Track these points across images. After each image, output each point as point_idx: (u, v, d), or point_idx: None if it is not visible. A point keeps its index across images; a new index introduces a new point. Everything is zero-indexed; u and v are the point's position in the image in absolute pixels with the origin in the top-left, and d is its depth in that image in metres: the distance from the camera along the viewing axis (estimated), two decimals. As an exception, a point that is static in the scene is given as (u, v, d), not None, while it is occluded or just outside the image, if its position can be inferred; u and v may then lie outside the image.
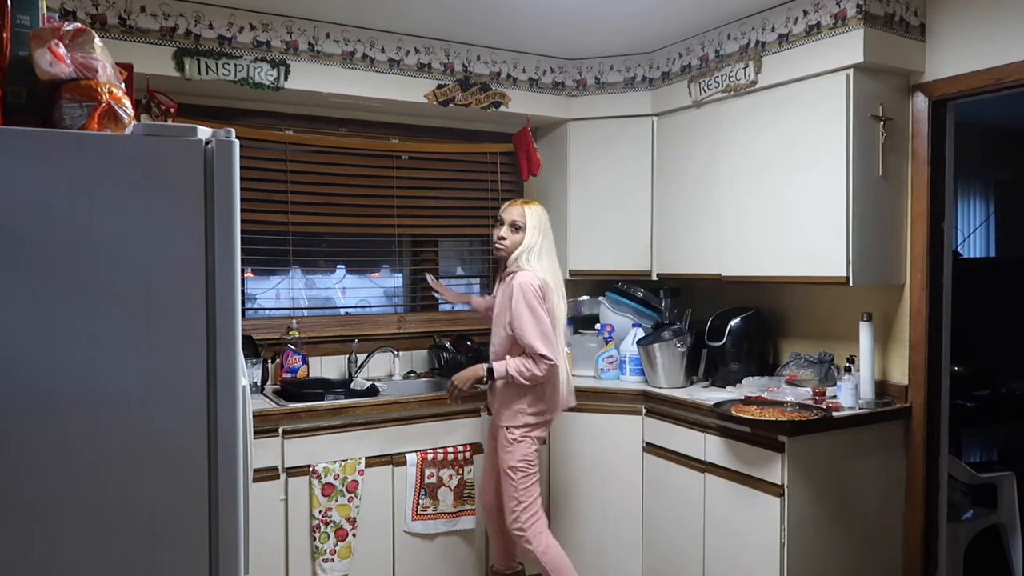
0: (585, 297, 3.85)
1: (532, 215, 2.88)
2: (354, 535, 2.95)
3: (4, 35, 1.41)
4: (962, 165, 3.06)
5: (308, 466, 2.88)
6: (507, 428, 2.85)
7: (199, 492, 1.37)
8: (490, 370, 2.82)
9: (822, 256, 2.81)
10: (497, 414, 2.92)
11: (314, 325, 3.50)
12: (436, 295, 3.57)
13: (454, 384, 2.89)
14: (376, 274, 3.81)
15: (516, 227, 2.87)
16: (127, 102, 1.45)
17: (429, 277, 3.38)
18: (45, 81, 1.40)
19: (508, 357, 2.83)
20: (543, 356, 2.74)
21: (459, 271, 4.11)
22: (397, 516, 3.06)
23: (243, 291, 3.23)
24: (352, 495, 2.94)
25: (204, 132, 1.38)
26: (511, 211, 2.90)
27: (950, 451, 2.99)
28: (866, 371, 2.83)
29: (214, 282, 1.37)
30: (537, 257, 2.85)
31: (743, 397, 2.95)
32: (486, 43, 3.46)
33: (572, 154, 3.72)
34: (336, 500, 2.91)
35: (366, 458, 2.99)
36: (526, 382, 2.77)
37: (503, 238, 2.88)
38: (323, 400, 3.04)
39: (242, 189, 1.43)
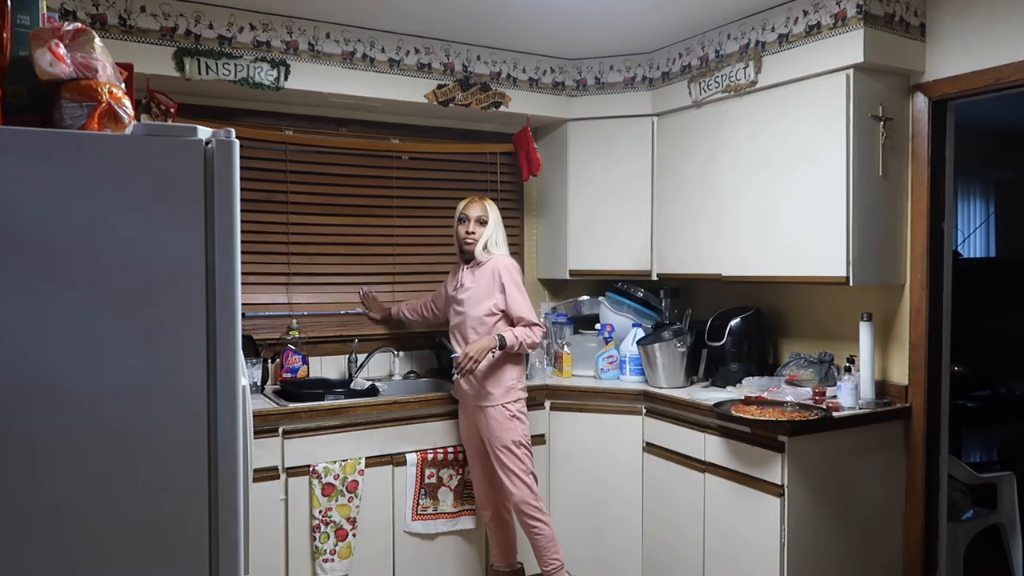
0: (585, 297, 3.85)
1: (492, 209, 3.15)
2: (354, 535, 2.95)
3: (4, 35, 1.41)
4: (962, 165, 3.06)
5: (308, 466, 2.88)
6: (503, 405, 2.98)
7: (199, 492, 1.37)
8: (501, 338, 2.95)
9: (822, 256, 2.81)
10: (485, 396, 3.00)
11: (314, 325, 3.50)
12: (365, 311, 3.60)
13: (469, 355, 2.92)
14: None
15: (482, 221, 3.11)
16: (127, 102, 1.45)
17: (362, 292, 3.59)
18: (45, 81, 1.40)
19: (507, 329, 3.02)
20: (537, 324, 3.05)
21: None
22: (397, 516, 3.06)
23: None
24: (352, 495, 2.94)
25: (204, 132, 1.38)
26: (474, 207, 3.13)
27: (950, 451, 2.98)
28: (866, 371, 2.83)
29: (214, 282, 1.37)
30: (498, 245, 3.12)
31: (743, 397, 2.95)
32: (486, 43, 3.46)
33: (572, 154, 3.72)
34: (336, 500, 2.91)
35: (366, 458, 2.99)
36: (529, 349, 3.06)
37: (472, 232, 3.10)
38: (323, 400, 3.04)
39: (242, 189, 1.43)
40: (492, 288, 3.04)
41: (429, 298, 3.46)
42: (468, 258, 3.14)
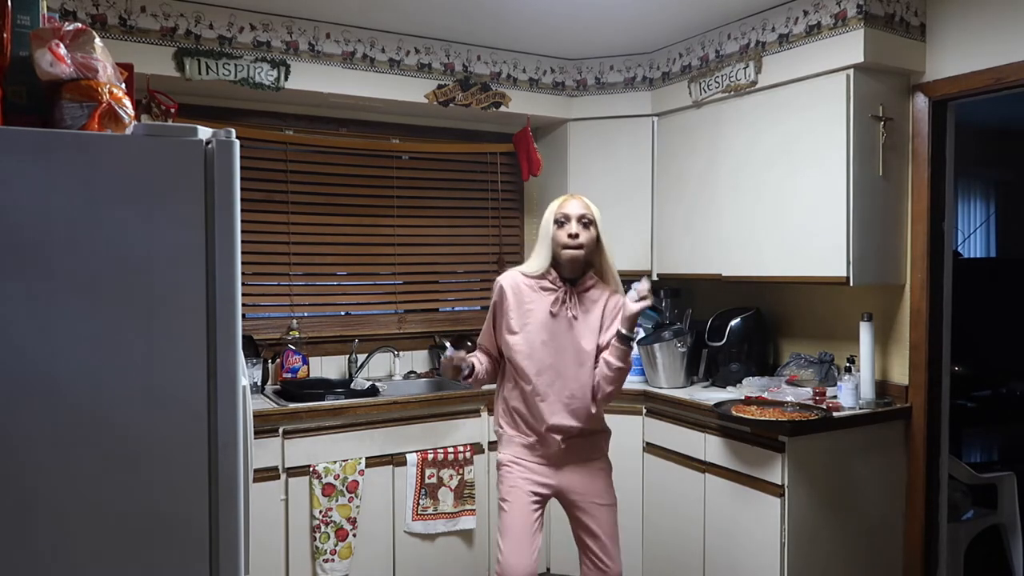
0: (585, 297, 3.85)
1: (595, 208, 2.37)
2: (354, 535, 2.95)
3: (5, 35, 1.41)
4: (962, 165, 3.06)
5: (308, 466, 2.88)
6: (607, 457, 2.47)
7: (199, 492, 1.37)
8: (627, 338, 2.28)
9: (822, 256, 2.81)
10: (591, 448, 2.41)
11: (314, 325, 3.50)
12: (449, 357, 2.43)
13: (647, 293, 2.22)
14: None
15: (586, 222, 2.34)
16: (127, 102, 1.45)
17: (449, 349, 2.41)
18: (45, 81, 1.39)
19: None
20: None
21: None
22: (397, 516, 3.06)
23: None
24: (352, 495, 2.94)
25: (204, 132, 1.38)
26: (572, 204, 2.35)
27: (950, 451, 2.98)
28: (866, 371, 2.83)
29: (214, 282, 1.37)
30: (614, 276, 2.41)
31: (743, 397, 2.95)
32: (486, 43, 3.46)
33: (572, 154, 3.72)
34: (336, 500, 2.91)
35: (366, 458, 2.99)
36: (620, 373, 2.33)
37: (576, 235, 2.31)
38: (323, 400, 3.04)
39: (242, 189, 1.42)
40: (597, 326, 2.35)
41: (479, 351, 2.51)
42: (568, 275, 2.37)
